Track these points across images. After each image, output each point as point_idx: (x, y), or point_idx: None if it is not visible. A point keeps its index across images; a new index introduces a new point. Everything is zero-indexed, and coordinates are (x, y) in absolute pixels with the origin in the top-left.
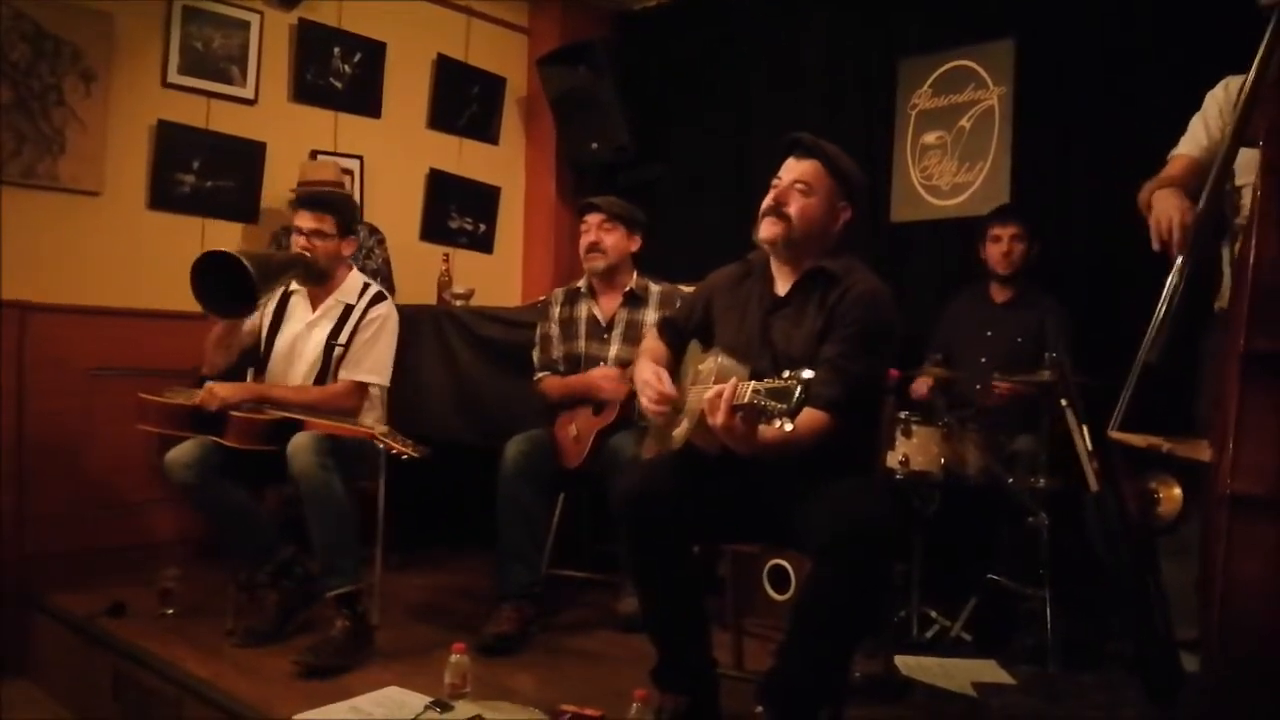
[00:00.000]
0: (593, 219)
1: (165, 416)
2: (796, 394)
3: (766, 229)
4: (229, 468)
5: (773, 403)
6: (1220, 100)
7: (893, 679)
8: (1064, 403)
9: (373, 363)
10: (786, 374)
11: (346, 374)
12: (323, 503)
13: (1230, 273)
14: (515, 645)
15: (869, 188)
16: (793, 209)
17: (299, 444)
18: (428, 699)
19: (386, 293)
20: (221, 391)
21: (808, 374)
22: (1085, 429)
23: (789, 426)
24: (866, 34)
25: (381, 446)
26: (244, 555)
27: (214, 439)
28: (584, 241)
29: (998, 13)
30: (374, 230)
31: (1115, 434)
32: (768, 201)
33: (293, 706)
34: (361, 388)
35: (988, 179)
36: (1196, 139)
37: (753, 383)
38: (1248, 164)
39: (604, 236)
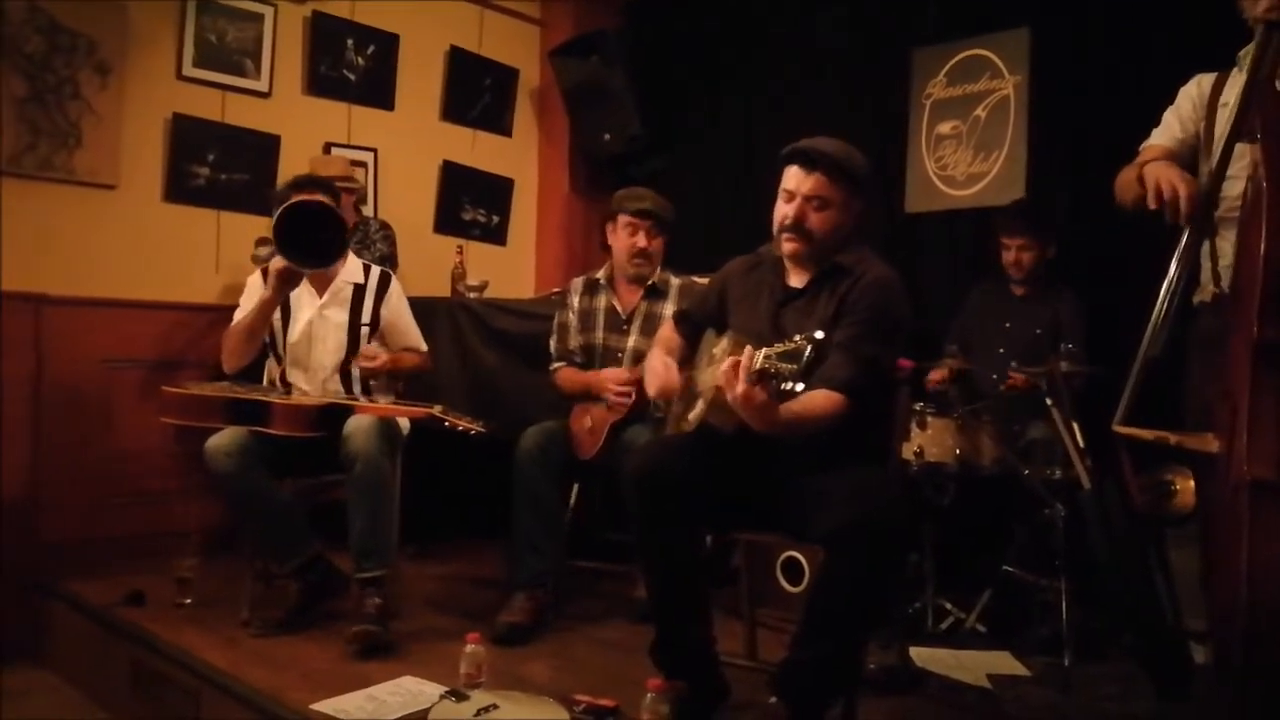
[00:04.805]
0: (644, 224)
1: (193, 408)
2: (806, 354)
3: (789, 246)
4: (266, 458)
5: (783, 365)
6: (1193, 95)
7: (907, 670)
8: (1049, 402)
9: (416, 331)
10: (797, 337)
11: (408, 344)
12: (375, 486)
13: (1211, 266)
14: (529, 635)
15: (878, 174)
16: (813, 225)
17: (360, 425)
18: (443, 688)
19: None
20: (382, 356)
21: (819, 334)
22: (1076, 426)
23: (800, 387)
24: (880, 23)
25: (447, 425)
26: (271, 548)
27: (255, 429)
28: (632, 245)
29: (1012, 2)
30: (384, 225)
31: (1121, 428)
32: (785, 218)
33: (309, 696)
34: (428, 353)
35: (1003, 168)
36: (1170, 130)
37: (763, 349)
38: (1234, 157)
39: (653, 243)
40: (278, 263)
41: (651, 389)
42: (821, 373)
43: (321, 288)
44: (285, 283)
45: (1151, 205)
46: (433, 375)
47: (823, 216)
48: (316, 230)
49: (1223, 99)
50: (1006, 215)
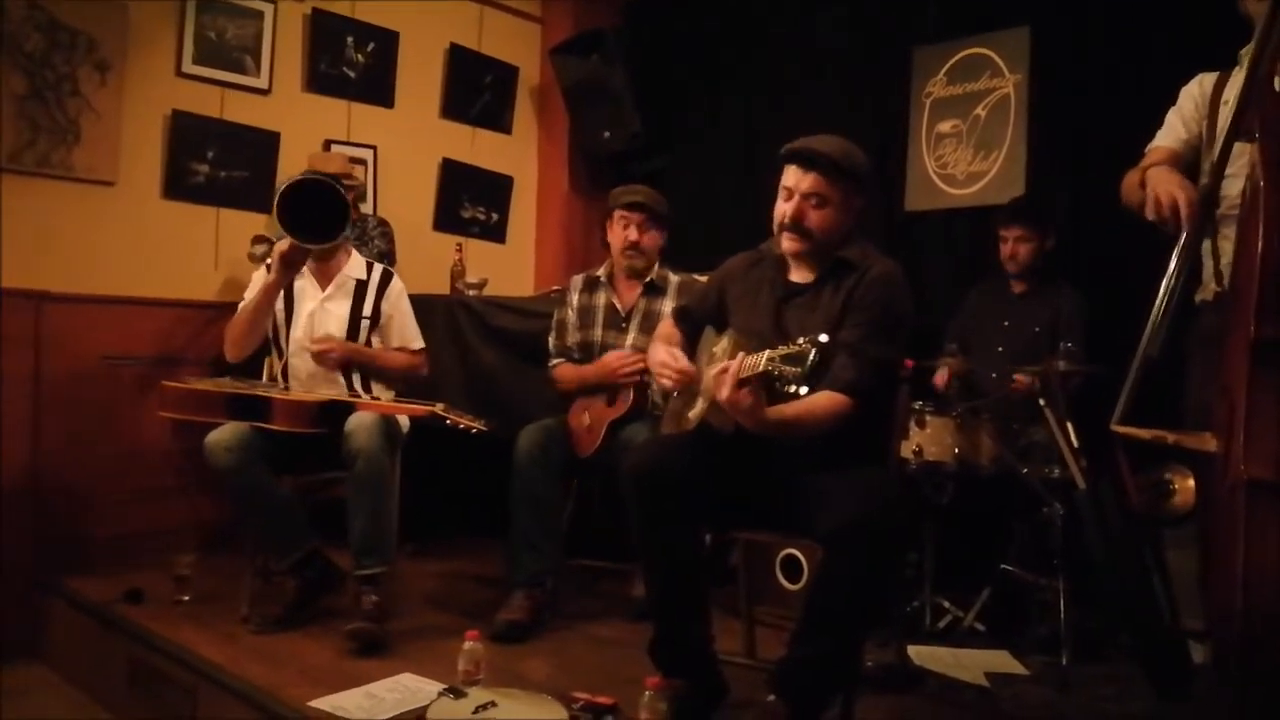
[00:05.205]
0: (635, 217)
1: (194, 402)
2: (811, 357)
3: (789, 244)
4: (266, 453)
5: (787, 368)
6: (1195, 95)
7: (905, 668)
8: (1042, 402)
9: (414, 329)
10: (801, 340)
11: (404, 343)
12: (375, 483)
13: (1212, 264)
14: (528, 633)
15: (878, 169)
16: (811, 223)
17: (361, 423)
18: (441, 686)
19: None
20: (334, 344)
21: (823, 338)
22: (1070, 426)
23: (804, 391)
24: (881, 22)
25: (448, 423)
26: (271, 544)
27: (256, 424)
28: (624, 238)
29: (1013, 1)
30: (381, 222)
31: (1119, 428)
32: (785, 217)
33: (307, 693)
34: (423, 352)
35: (1003, 167)
36: (1174, 132)
37: (766, 351)
38: (1233, 156)
39: (644, 236)
40: (281, 245)
41: (669, 382)
42: (828, 373)
43: (325, 281)
44: (289, 265)
45: (1150, 217)
46: (432, 373)
47: (822, 215)
48: (319, 208)
49: (1224, 97)
50: (1005, 211)
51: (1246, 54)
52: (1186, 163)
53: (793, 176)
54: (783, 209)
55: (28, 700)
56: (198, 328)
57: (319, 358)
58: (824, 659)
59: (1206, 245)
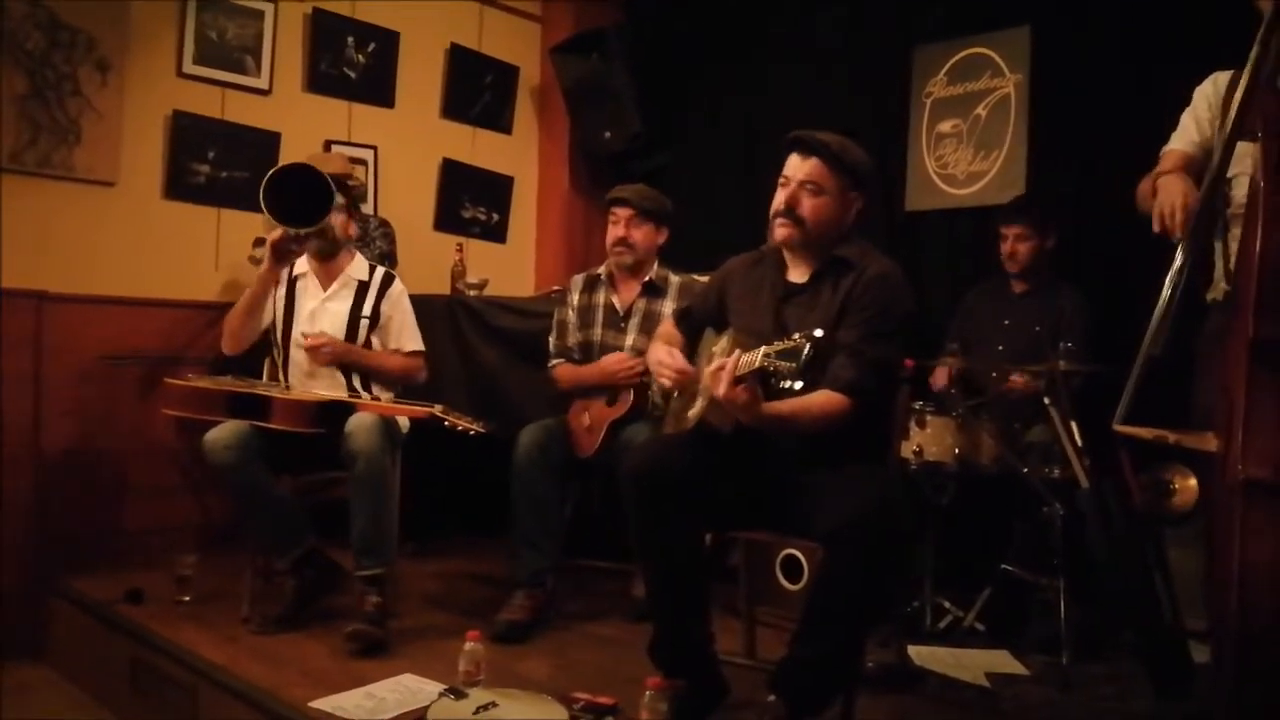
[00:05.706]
0: (622, 213)
1: (195, 400)
2: (805, 352)
3: (780, 231)
4: (265, 452)
5: (781, 363)
6: (1209, 95)
7: (906, 668)
8: (1047, 401)
9: (413, 331)
10: (796, 335)
11: (401, 345)
12: (376, 484)
13: (1223, 264)
14: (529, 633)
15: (879, 170)
16: (805, 211)
17: (361, 423)
18: (442, 686)
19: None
20: (325, 339)
21: (818, 333)
22: (1075, 425)
23: (799, 385)
24: (881, 21)
25: (447, 424)
26: (269, 542)
27: (254, 423)
28: (612, 234)
29: (1013, 0)
30: (383, 222)
31: (1121, 427)
32: (778, 204)
33: (308, 693)
34: (421, 355)
35: (1003, 167)
36: (1188, 134)
37: (762, 347)
38: (1239, 156)
39: (633, 232)
40: (273, 236)
41: (667, 381)
42: (827, 373)
43: (328, 281)
44: (281, 254)
45: (1155, 229)
46: (432, 374)
47: (816, 203)
48: (304, 196)
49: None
50: (1006, 209)
51: None
52: (1200, 166)
53: (791, 165)
54: (779, 197)
55: (29, 699)
56: (198, 328)
57: (312, 352)
58: (824, 659)
59: (1217, 245)
